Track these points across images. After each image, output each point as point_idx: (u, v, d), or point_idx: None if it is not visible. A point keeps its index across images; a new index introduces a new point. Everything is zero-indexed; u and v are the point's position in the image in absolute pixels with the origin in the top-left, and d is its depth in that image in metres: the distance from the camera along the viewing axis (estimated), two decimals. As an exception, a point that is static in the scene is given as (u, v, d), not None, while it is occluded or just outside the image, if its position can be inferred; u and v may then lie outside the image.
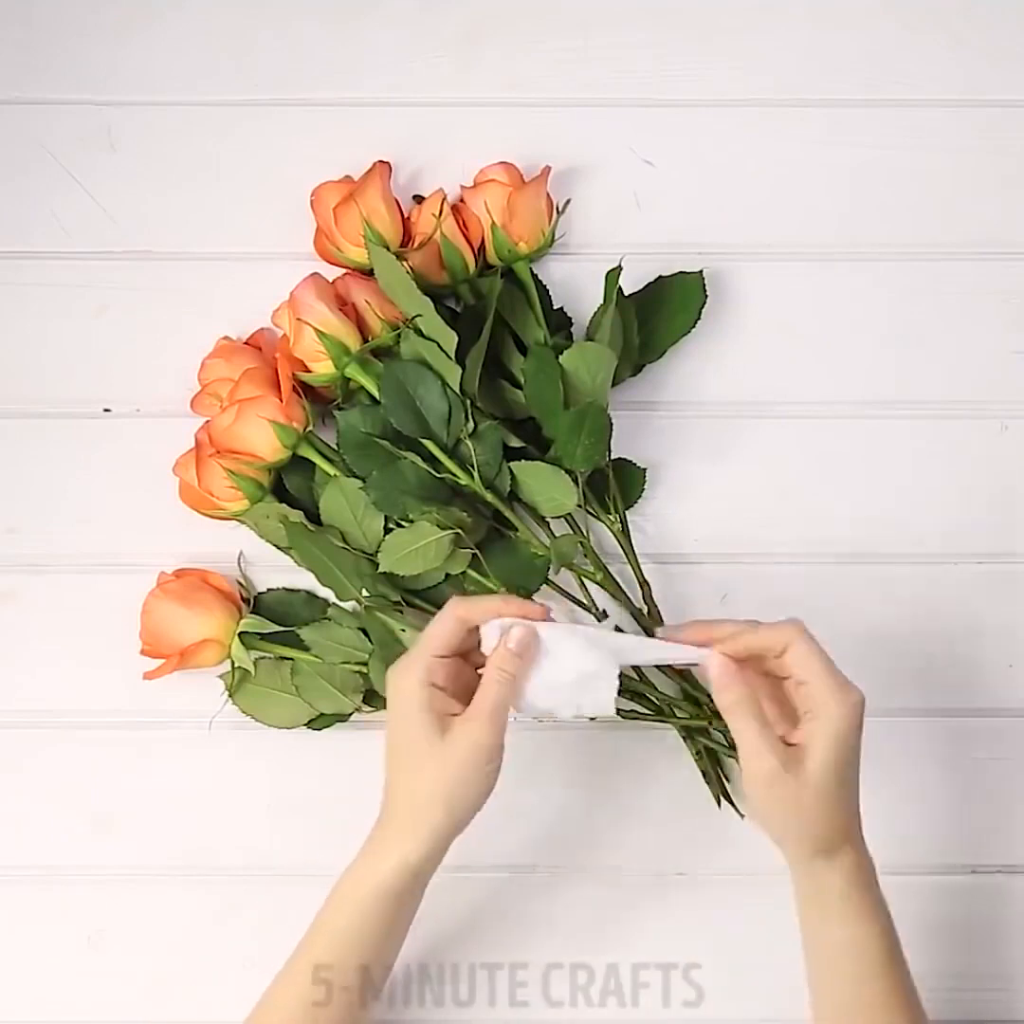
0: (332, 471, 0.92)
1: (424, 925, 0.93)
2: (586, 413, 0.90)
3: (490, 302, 0.92)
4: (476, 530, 0.91)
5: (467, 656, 0.84)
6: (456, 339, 0.90)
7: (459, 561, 0.92)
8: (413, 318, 0.91)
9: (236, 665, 0.92)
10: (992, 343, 0.98)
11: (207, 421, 0.92)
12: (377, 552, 0.91)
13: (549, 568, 0.93)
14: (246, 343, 0.95)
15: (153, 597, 0.92)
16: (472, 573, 0.92)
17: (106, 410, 0.97)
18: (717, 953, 0.93)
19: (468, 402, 0.91)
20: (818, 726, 0.79)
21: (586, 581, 0.94)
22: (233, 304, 0.96)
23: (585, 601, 0.93)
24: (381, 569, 0.90)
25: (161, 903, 0.94)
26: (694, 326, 0.96)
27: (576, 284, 0.97)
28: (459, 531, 0.90)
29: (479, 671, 0.82)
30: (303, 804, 0.94)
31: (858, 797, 0.81)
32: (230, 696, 0.92)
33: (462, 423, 0.91)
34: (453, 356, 0.90)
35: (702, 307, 0.95)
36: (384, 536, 0.91)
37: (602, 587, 0.93)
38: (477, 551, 0.91)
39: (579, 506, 0.93)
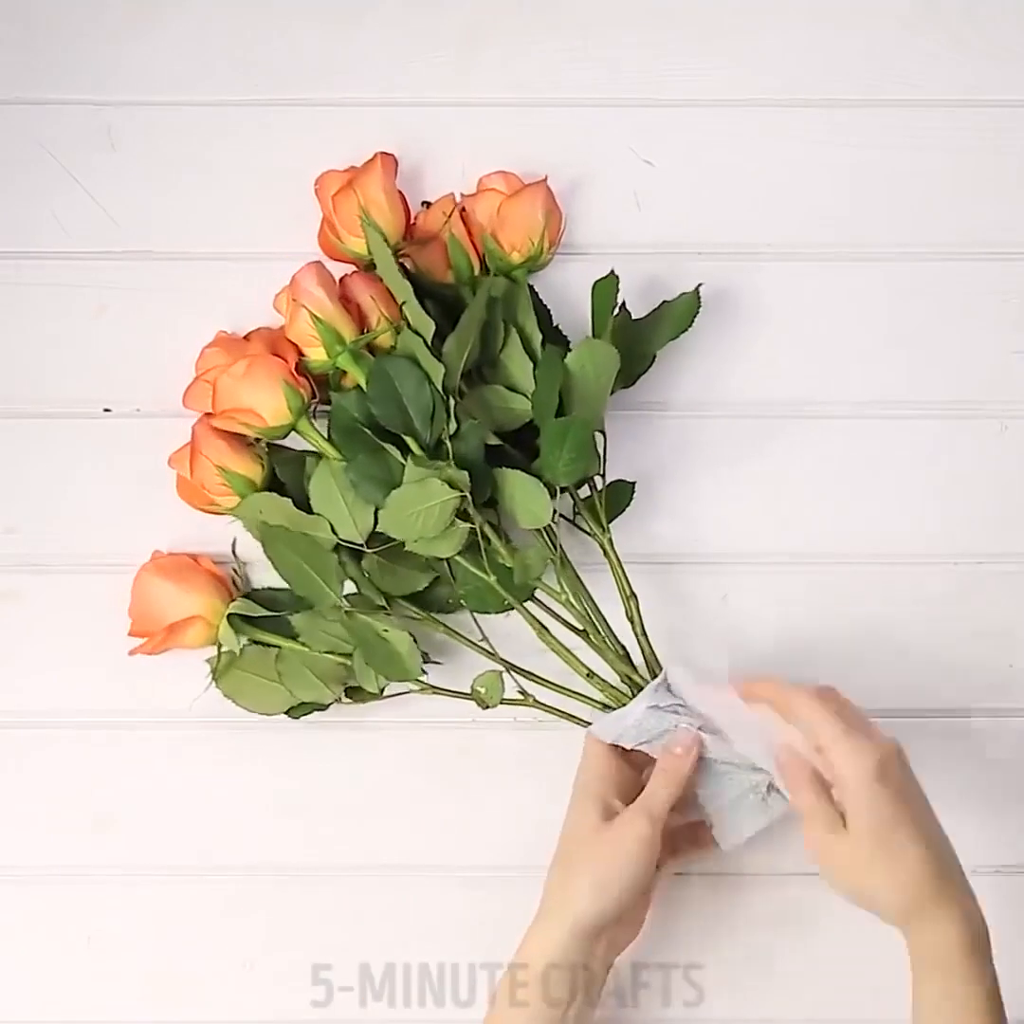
0: (331, 452, 0.91)
1: (426, 925, 0.94)
2: (570, 426, 0.88)
3: (480, 299, 0.91)
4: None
5: (628, 756, 0.88)
6: (433, 326, 0.89)
7: (455, 538, 0.89)
8: (402, 304, 0.90)
9: (223, 647, 0.91)
10: (992, 343, 0.98)
11: (202, 415, 0.92)
12: (366, 543, 0.89)
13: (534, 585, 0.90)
14: (246, 338, 0.95)
15: (145, 571, 0.92)
16: (461, 560, 0.90)
17: (106, 410, 0.97)
18: (717, 953, 0.93)
19: (451, 401, 0.89)
20: (842, 794, 0.80)
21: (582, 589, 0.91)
22: (234, 304, 0.96)
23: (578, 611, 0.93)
24: (379, 527, 0.89)
25: (161, 903, 0.94)
26: (688, 327, 0.94)
27: (575, 284, 0.97)
28: (465, 495, 0.88)
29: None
30: (303, 803, 0.94)
31: (931, 859, 0.79)
32: (216, 679, 0.92)
33: (444, 421, 0.89)
34: (429, 343, 0.89)
35: (695, 315, 0.94)
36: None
37: (565, 608, 0.91)
38: (476, 525, 0.88)
39: (568, 520, 0.92)
